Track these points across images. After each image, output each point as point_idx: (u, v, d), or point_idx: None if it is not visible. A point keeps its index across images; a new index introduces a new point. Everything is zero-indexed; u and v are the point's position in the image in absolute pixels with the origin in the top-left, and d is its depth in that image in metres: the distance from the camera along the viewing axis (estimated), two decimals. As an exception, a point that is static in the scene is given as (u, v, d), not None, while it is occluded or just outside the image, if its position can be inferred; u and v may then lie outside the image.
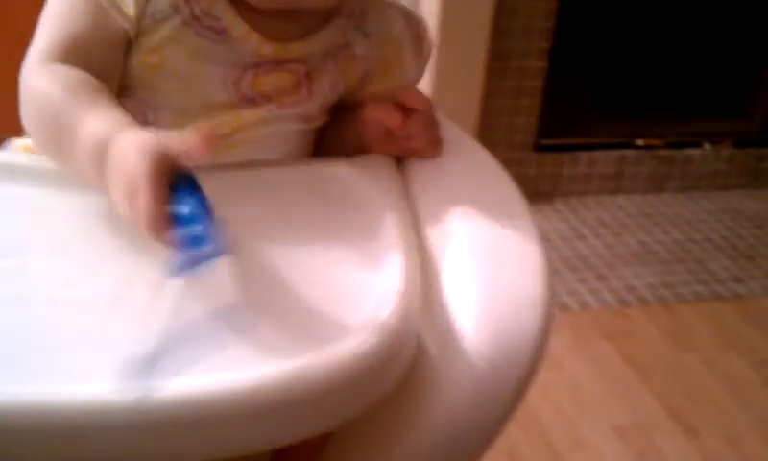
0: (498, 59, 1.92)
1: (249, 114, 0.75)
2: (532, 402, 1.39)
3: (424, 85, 0.85)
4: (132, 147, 0.57)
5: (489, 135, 1.94)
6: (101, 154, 0.60)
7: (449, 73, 1.75)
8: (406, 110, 0.76)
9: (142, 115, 0.73)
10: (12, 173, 0.69)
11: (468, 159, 0.79)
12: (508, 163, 0.77)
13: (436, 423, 0.59)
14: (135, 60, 0.73)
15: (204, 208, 0.55)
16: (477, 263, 0.64)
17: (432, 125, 0.77)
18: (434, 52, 0.87)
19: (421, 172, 0.76)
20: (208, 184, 0.56)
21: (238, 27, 0.73)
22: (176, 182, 0.56)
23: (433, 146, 0.77)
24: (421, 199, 0.73)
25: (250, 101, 0.75)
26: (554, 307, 0.63)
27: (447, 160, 0.77)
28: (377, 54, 0.80)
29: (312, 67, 0.77)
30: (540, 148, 2.09)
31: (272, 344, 0.53)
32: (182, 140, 0.57)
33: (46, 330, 0.54)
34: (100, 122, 0.62)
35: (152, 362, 0.51)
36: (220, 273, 0.55)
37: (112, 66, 0.72)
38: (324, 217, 0.69)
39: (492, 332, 0.60)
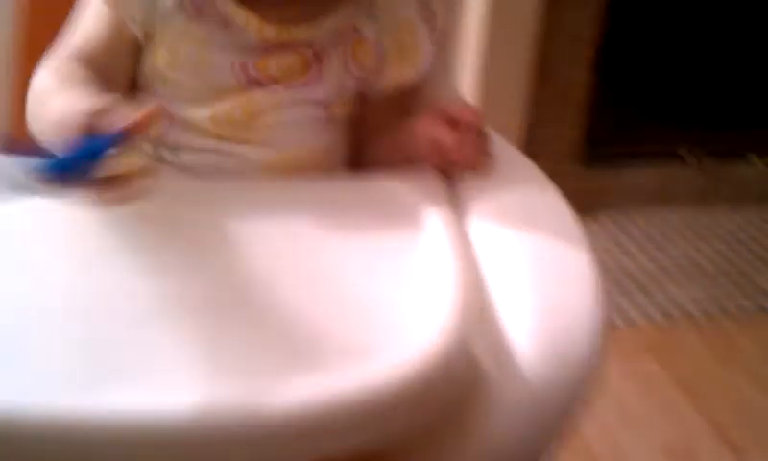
0: (543, 70, 1.91)
1: (258, 96, 0.78)
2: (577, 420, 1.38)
3: (469, 96, 0.86)
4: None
5: (533, 147, 1.92)
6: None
7: (494, 84, 1.75)
8: (455, 123, 0.76)
9: (165, 111, 0.76)
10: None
11: (517, 173, 0.79)
12: (552, 176, 0.77)
13: (489, 437, 0.59)
14: (147, 60, 0.78)
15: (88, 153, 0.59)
16: (530, 279, 0.64)
17: (480, 137, 0.77)
18: (479, 64, 0.87)
19: (471, 186, 0.76)
20: (264, 197, 0.58)
21: (239, 14, 0.77)
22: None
23: (482, 158, 0.77)
24: (472, 214, 0.73)
25: (257, 83, 0.78)
26: (607, 323, 0.63)
27: (496, 174, 0.77)
28: (389, 36, 0.82)
29: (320, 49, 0.79)
30: (584, 161, 2.07)
31: (327, 358, 0.54)
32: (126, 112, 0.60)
33: (119, 345, 0.55)
34: (72, 99, 0.67)
35: (225, 372, 0.52)
36: (278, 283, 0.56)
37: (121, 69, 0.79)
38: (376, 232, 0.69)
39: (546, 348, 0.60)
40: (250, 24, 0.77)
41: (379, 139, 0.84)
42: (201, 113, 0.78)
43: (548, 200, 0.74)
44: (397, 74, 0.82)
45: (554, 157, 2.02)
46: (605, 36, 1.95)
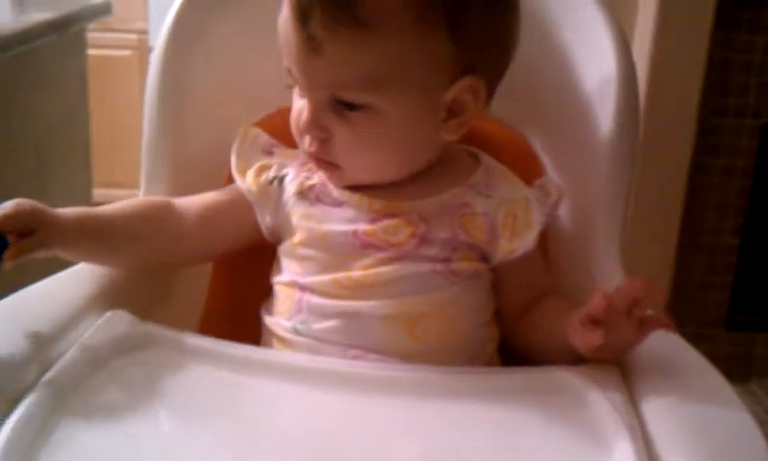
0: (690, 235, 1.91)
1: (374, 257, 0.82)
2: None
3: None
4: None
5: (679, 311, 1.91)
6: None
7: (640, 248, 1.75)
8: (600, 321, 0.73)
9: (295, 285, 0.84)
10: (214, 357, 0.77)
11: (692, 370, 0.77)
12: (699, 340, 0.75)
13: None
14: (283, 248, 0.87)
15: None
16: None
17: (631, 311, 0.73)
18: (626, 231, 0.89)
19: (645, 383, 0.74)
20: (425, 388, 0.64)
21: (352, 197, 0.84)
22: None
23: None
24: (654, 421, 0.70)
25: (371, 246, 0.82)
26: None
27: (669, 370, 0.75)
28: (502, 212, 0.84)
29: (427, 215, 0.84)
30: (732, 325, 2.04)
31: None
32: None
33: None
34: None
35: None
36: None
37: (224, 231, 0.90)
38: (548, 431, 0.70)
39: None
40: (360, 201, 0.84)
41: (533, 318, 0.86)
42: (326, 279, 0.83)
43: (725, 401, 0.72)
44: (508, 247, 0.84)
45: (701, 320, 1.99)
46: (752, 203, 1.94)
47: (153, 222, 0.88)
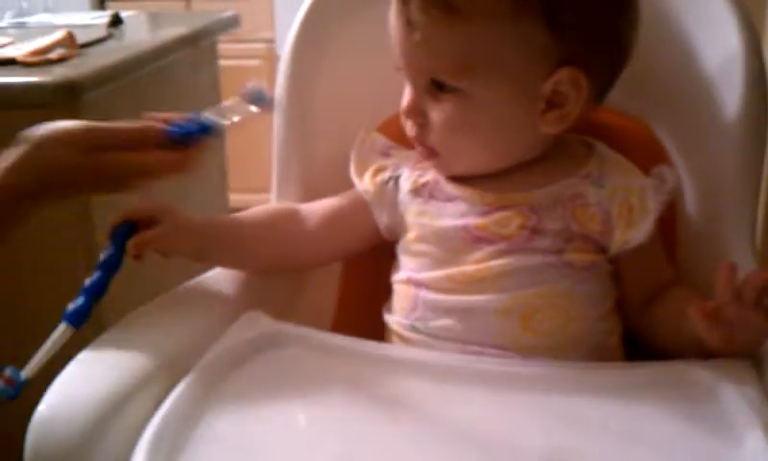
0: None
1: (486, 250, 0.83)
2: None
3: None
4: None
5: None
6: None
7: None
8: (720, 314, 0.72)
9: (410, 282, 0.87)
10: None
11: None
12: None
13: None
14: (400, 246, 0.89)
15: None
16: None
17: (760, 301, 0.71)
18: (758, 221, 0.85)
19: None
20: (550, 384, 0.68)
21: (464, 191, 0.85)
22: None
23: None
24: None
25: (483, 240, 0.83)
26: None
27: None
28: (617, 201, 0.83)
29: (538, 207, 0.83)
30: None
31: None
32: None
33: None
34: None
35: None
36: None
37: (344, 233, 0.93)
38: (676, 428, 0.69)
39: None
40: (472, 195, 0.85)
41: (664, 311, 0.84)
42: (439, 275, 0.84)
43: None
44: (624, 237, 0.83)
45: None
46: None
47: (278, 226, 0.93)
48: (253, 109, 0.87)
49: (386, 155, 0.94)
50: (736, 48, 0.90)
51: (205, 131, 0.85)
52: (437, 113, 0.83)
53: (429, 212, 0.87)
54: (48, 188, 0.82)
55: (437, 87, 0.82)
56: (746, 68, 0.89)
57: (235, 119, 0.87)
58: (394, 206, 0.91)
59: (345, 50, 1.01)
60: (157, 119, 0.85)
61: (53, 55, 1.43)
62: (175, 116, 0.86)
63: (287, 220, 0.93)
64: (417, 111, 0.84)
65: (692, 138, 0.94)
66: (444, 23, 0.78)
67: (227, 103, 0.89)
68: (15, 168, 0.80)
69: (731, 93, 0.90)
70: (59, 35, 1.50)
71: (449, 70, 0.80)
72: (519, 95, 0.81)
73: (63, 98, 1.30)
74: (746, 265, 0.88)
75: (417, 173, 0.90)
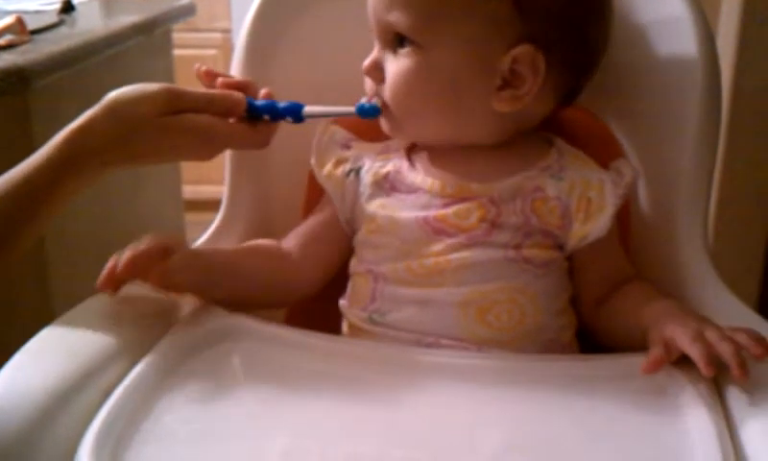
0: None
1: (446, 243, 0.83)
2: None
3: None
4: None
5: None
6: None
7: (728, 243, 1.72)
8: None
9: (370, 274, 0.87)
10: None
11: None
12: None
13: None
14: (358, 238, 0.89)
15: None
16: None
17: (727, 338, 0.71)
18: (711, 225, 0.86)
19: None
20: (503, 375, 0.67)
21: (424, 180, 0.86)
22: None
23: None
24: (739, 408, 0.69)
25: (442, 232, 0.83)
26: None
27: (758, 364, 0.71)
28: (575, 194, 0.84)
29: (498, 199, 0.84)
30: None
31: None
32: None
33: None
34: None
35: None
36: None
37: (320, 252, 0.92)
38: (629, 418, 0.70)
39: None
40: (433, 186, 0.85)
41: (621, 305, 0.85)
42: (399, 267, 0.84)
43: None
44: (582, 231, 0.84)
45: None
46: None
47: (272, 258, 0.91)
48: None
49: (346, 147, 0.94)
50: (692, 47, 0.91)
51: (287, 112, 0.88)
52: (393, 67, 0.84)
53: (391, 205, 0.87)
54: (124, 147, 0.81)
55: (398, 43, 0.83)
56: (701, 65, 0.90)
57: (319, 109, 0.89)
58: (355, 197, 0.90)
59: (300, 42, 1.01)
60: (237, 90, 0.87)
61: (1, 41, 1.40)
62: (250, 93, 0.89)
63: (273, 253, 0.92)
64: (376, 67, 0.86)
65: (647, 134, 0.95)
66: None
67: (334, 108, 0.90)
68: (85, 128, 0.79)
69: (685, 90, 0.91)
70: (8, 20, 1.46)
71: (410, 22, 0.82)
72: (475, 62, 0.82)
73: (12, 85, 1.28)
74: (699, 260, 0.90)
75: (378, 164, 0.90)
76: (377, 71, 0.86)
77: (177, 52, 2.02)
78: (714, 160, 0.92)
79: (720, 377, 0.71)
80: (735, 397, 0.70)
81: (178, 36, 2.07)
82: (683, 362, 0.73)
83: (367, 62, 0.87)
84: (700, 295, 0.88)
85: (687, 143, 0.91)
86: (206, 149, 0.85)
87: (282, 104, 0.88)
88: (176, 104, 0.82)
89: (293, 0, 1.01)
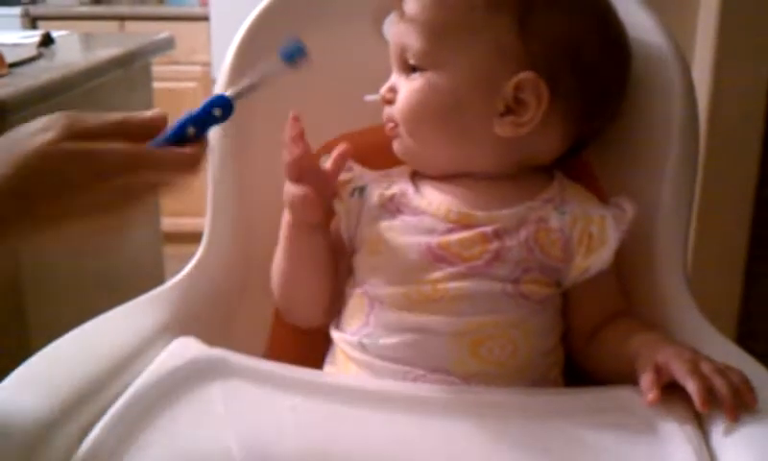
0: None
1: (445, 271, 0.83)
2: None
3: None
4: None
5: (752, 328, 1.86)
6: None
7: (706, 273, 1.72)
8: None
9: (365, 296, 0.86)
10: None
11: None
12: None
13: None
14: (357, 259, 0.89)
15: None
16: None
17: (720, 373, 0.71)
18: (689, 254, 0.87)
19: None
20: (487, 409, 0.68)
21: (429, 205, 0.86)
22: None
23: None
24: (723, 448, 0.68)
25: (443, 259, 0.83)
26: None
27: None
28: (578, 228, 0.84)
29: (501, 230, 0.84)
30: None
31: None
32: None
33: None
34: None
35: None
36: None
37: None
38: (613, 452, 0.69)
39: None
40: (437, 210, 0.85)
41: (608, 340, 0.85)
42: (397, 291, 0.84)
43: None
44: (584, 264, 0.84)
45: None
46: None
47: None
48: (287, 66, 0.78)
49: (348, 169, 0.93)
50: (671, 78, 0.92)
51: (209, 106, 0.73)
52: (404, 89, 0.87)
53: (395, 227, 0.87)
54: (31, 188, 0.64)
55: (411, 68, 0.87)
56: (679, 96, 0.92)
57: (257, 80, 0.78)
58: (359, 217, 0.90)
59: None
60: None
61: (-20, 73, 1.39)
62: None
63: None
64: (389, 88, 0.90)
65: (626, 166, 0.95)
66: (426, 6, 0.85)
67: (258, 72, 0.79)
68: None
69: (664, 123, 0.92)
70: (-14, 53, 1.46)
71: (418, 47, 0.85)
72: (479, 86, 0.84)
73: (-10, 118, 1.27)
74: (678, 292, 0.90)
75: (383, 185, 0.90)
76: (389, 91, 0.90)
77: (156, 85, 2.02)
78: (693, 192, 0.93)
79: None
80: (719, 432, 0.70)
81: (157, 70, 2.06)
82: (666, 392, 0.73)
83: (383, 88, 0.90)
84: (680, 328, 0.88)
85: (666, 175, 0.92)
86: (131, 191, 0.70)
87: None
88: (78, 126, 0.67)
89: (275, 33, 1.01)
